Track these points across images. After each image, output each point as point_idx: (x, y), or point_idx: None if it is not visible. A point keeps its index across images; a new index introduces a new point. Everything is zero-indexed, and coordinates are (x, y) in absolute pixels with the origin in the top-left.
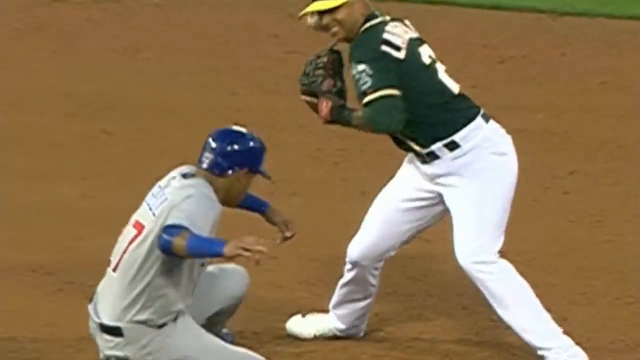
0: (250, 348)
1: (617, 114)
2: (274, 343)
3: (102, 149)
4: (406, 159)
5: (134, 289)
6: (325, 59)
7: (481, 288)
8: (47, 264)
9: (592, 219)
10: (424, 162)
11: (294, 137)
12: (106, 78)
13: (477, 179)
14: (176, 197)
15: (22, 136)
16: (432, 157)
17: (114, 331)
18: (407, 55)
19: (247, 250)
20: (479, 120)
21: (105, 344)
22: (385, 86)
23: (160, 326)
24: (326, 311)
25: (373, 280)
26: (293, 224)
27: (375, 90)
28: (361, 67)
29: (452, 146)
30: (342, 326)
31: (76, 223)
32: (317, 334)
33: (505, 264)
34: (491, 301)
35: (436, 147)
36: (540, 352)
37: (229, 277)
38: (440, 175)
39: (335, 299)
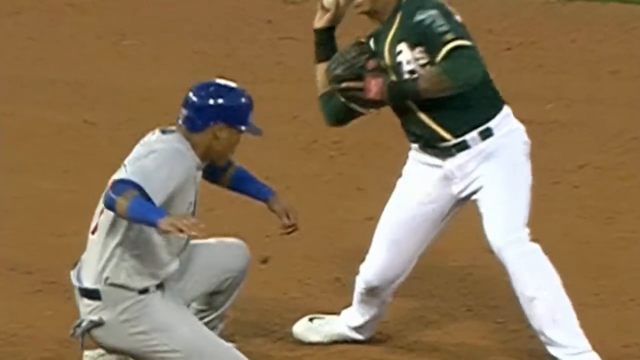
0: (240, 351)
1: (630, 103)
2: (266, 347)
3: (84, 140)
4: (410, 165)
5: (107, 248)
6: (362, 42)
7: (510, 269)
8: (26, 263)
9: (604, 214)
10: (448, 155)
11: (287, 128)
12: (88, 65)
13: (505, 163)
14: (143, 151)
15: None
16: (461, 147)
17: (93, 294)
18: (463, 24)
19: (180, 230)
20: (507, 106)
21: (85, 309)
22: (463, 36)
23: (141, 292)
24: (323, 312)
25: (388, 299)
26: (295, 213)
27: (455, 38)
28: (433, 12)
29: (487, 134)
30: (354, 333)
31: (57, 219)
32: (326, 340)
33: (538, 246)
34: (516, 286)
35: (470, 136)
36: (551, 350)
37: (227, 249)
38: (464, 168)
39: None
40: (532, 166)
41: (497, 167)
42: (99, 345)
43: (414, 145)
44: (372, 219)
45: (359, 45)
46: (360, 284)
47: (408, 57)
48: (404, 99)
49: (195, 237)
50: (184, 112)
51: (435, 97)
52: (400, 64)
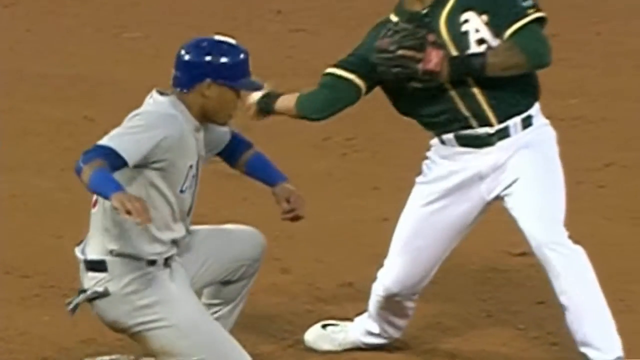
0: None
1: None
2: (276, 354)
3: (83, 137)
4: (432, 166)
5: (109, 218)
6: (416, 18)
7: (550, 268)
8: (23, 266)
9: (631, 215)
10: (485, 144)
11: (297, 125)
12: (88, 59)
13: (541, 157)
14: (131, 115)
15: None
16: (502, 135)
17: (99, 266)
18: None
19: (128, 212)
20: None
21: (90, 282)
22: (539, 8)
23: (149, 264)
24: (334, 318)
25: (411, 304)
26: (298, 200)
27: (537, 9)
28: None
29: (528, 122)
30: (370, 339)
31: (56, 219)
32: (340, 348)
33: (580, 248)
34: (556, 285)
35: (513, 122)
36: (584, 350)
37: (243, 236)
38: (497, 162)
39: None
40: None
41: (533, 160)
42: (100, 318)
43: (447, 137)
44: (387, 220)
45: (415, 20)
46: (378, 291)
47: (477, 25)
48: (465, 73)
49: (138, 224)
50: (173, 72)
51: (495, 76)
52: (466, 33)
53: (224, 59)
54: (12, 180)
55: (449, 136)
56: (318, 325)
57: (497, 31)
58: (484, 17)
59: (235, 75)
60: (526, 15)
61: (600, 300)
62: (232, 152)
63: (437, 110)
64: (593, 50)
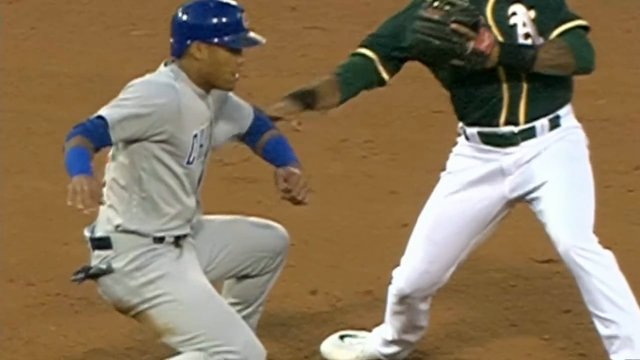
0: None
1: None
2: None
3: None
4: (456, 160)
5: (115, 193)
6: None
7: (578, 275)
8: (27, 273)
9: None
10: (509, 144)
11: (313, 126)
12: (95, 57)
13: (570, 159)
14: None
15: None
16: (527, 135)
17: (104, 243)
18: None
19: (73, 197)
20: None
21: (95, 261)
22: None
23: (156, 241)
24: (352, 328)
25: (425, 307)
26: (295, 179)
27: (577, 18)
28: None
29: (555, 123)
30: (387, 348)
31: (61, 224)
32: None
33: (610, 253)
34: (585, 295)
35: (540, 122)
36: (614, 357)
37: (266, 227)
38: (521, 161)
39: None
40: None
41: (562, 163)
42: (104, 297)
43: (470, 132)
44: (407, 226)
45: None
46: (392, 291)
47: (524, 19)
48: (513, 62)
49: (79, 210)
50: (170, 40)
51: (538, 71)
52: (514, 27)
53: (208, 17)
54: (15, 184)
55: (473, 131)
56: (335, 336)
57: (541, 29)
58: (532, 13)
59: (223, 32)
60: (574, 19)
61: (633, 309)
62: (254, 133)
63: (477, 93)
64: (623, 48)
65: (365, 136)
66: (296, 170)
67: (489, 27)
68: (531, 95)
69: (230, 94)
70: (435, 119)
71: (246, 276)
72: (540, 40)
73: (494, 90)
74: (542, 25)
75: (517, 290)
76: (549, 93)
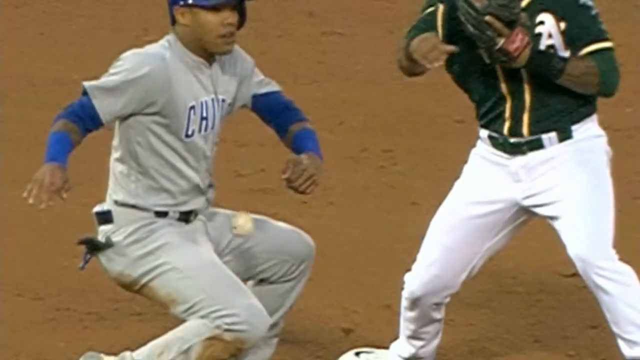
0: None
1: None
2: None
3: (98, 148)
4: (472, 163)
5: (116, 167)
6: None
7: (597, 292)
8: (35, 287)
9: None
10: (516, 152)
11: (332, 135)
12: (105, 63)
13: (588, 171)
14: None
15: (2, 132)
16: (533, 146)
17: (106, 217)
18: None
19: (30, 189)
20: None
21: (99, 236)
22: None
23: (159, 215)
24: (371, 344)
25: (438, 315)
26: (297, 168)
27: (608, 39)
28: (595, 10)
29: (565, 135)
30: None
31: (69, 237)
32: None
33: (630, 269)
34: (607, 312)
35: (547, 135)
36: None
37: (293, 232)
38: (532, 170)
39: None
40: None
41: (579, 176)
42: (106, 273)
43: (483, 134)
44: None
45: None
46: (404, 296)
47: (551, 30)
48: (539, 70)
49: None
50: None
51: (561, 84)
52: (538, 36)
53: None
54: (21, 195)
55: (484, 134)
56: (351, 353)
57: (568, 42)
58: (562, 25)
59: None
60: (605, 40)
61: None
62: (283, 122)
63: (481, 101)
64: None
65: (384, 146)
66: (304, 160)
67: (527, 28)
68: (535, 109)
69: (258, 74)
70: (457, 129)
71: (266, 280)
72: (566, 53)
73: (497, 101)
74: (570, 39)
75: (542, 305)
76: (557, 109)
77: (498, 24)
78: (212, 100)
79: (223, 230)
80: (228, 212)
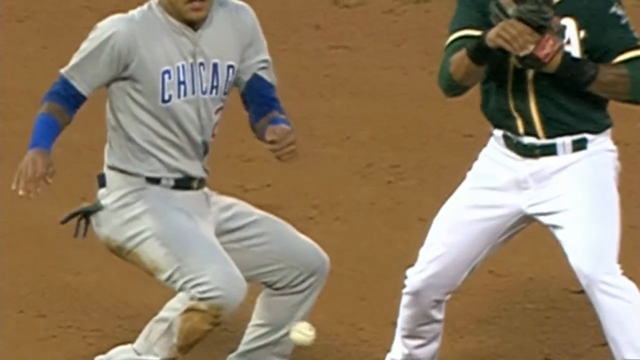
0: None
1: None
2: None
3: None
4: (480, 165)
5: (108, 132)
6: None
7: (600, 310)
8: (38, 304)
9: None
10: (528, 155)
11: (339, 150)
12: None
13: (596, 184)
14: None
15: (6, 146)
16: (546, 151)
17: (101, 181)
18: None
19: (17, 179)
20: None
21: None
22: None
23: (150, 181)
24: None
25: (438, 315)
26: (282, 132)
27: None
28: (625, 19)
29: (580, 145)
30: None
31: (73, 254)
32: None
33: (633, 286)
34: (607, 330)
35: (562, 140)
36: None
37: (306, 241)
38: (541, 177)
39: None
40: (619, 194)
41: (586, 187)
42: (97, 236)
43: (497, 134)
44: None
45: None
46: (404, 291)
47: (572, 36)
48: (570, 76)
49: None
50: None
51: (589, 91)
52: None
53: None
54: (25, 211)
55: (499, 134)
56: None
57: (587, 51)
58: (582, 33)
59: None
60: (638, 48)
61: None
62: (263, 111)
63: (494, 100)
64: None
65: (392, 161)
66: (287, 128)
67: (557, 34)
68: (544, 111)
69: (263, 49)
70: (466, 143)
71: (272, 286)
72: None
73: (504, 101)
74: (590, 48)
75: (552, 322)
76: (571, 113)
77: (529, 31)
78: (192, 64)
79: (245, 219)
80: (258, 211)
